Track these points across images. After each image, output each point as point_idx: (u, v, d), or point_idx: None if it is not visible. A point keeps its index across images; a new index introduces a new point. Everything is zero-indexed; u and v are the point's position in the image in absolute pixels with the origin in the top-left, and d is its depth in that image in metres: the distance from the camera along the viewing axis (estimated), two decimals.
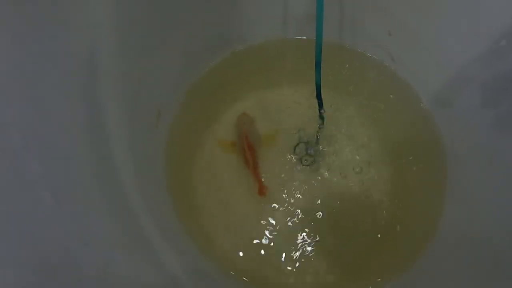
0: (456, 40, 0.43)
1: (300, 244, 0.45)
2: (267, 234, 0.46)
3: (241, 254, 0.45)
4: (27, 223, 0.21)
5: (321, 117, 0.50)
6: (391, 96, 0.52)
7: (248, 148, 0.48)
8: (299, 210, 0.47)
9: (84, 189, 0.26)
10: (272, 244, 0.45)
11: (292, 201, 0.47)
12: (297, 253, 0.45)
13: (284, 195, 0.48)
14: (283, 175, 0.49)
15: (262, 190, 0.47)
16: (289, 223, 0.46)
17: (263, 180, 0.48)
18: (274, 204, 0.47)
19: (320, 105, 0.48)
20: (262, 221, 0.46)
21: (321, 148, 0.50)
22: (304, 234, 0.46)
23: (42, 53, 0.25)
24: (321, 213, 0.47)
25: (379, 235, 0.46)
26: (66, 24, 0.28)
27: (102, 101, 0.32)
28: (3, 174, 0.20)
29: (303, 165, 0.50)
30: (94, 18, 0.32)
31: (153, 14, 0.41)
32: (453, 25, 0.42)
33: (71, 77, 0.29)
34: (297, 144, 0.51)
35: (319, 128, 0.51)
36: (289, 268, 0.44)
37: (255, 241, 0.45)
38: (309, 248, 0.45)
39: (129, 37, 0.37)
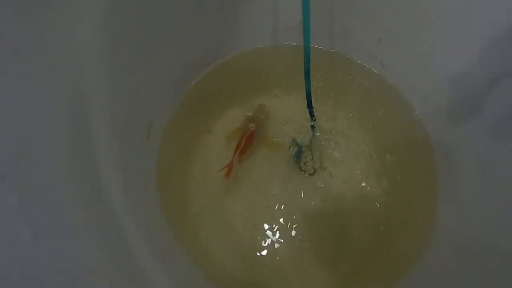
0: (446, 47, 0.43)
1: (296, 252, 0.45)
2: (264, 245, 0.46)
3: (237, 265, 0.45)
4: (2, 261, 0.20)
5: (313, 125, 0.50)
6: (382, 102, 0.52)
7: (247, 137, 0.48)
8: (294, 217, 0.47)
9: (69, 217, 0.26)
10: (268, 252, 0.45)
11: (287, 208, 0.47)
12: (293, 260, 0.45)
13: (278, 204, 0.48)
14: (276, 182, 0.49)
15: (228, 170, 0.47)
16: (285, 233, 0.46)
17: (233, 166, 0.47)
18: (268, 213, 0.47)
19: (311, 114, 0.48)
20: (257, 232, 0.46)
21: (314, 154, 0.50)
22: (299, 241, 0.46)
23: (28, 79, 0.24)
24: (316, 218, 0.47)
25: (372, 242, 0.46)
26: (52, 48, 0.28)
27: (90, 120, 0.32)
28: None
29: (297, 170, 0.50)
30: (81, 38, 0.31)
31: (144, 29, 0.41)
32: (443, 32, 0.42)
33: (58, 99, 0.28)
34: (290, 149, 0.51)
35: (312, 134, 0.51)
36: (285, 276, 0.44)
37: (251, 253, 0.45)
38: (304, 255, 0.45)
39: (119, 53, 0.37)
